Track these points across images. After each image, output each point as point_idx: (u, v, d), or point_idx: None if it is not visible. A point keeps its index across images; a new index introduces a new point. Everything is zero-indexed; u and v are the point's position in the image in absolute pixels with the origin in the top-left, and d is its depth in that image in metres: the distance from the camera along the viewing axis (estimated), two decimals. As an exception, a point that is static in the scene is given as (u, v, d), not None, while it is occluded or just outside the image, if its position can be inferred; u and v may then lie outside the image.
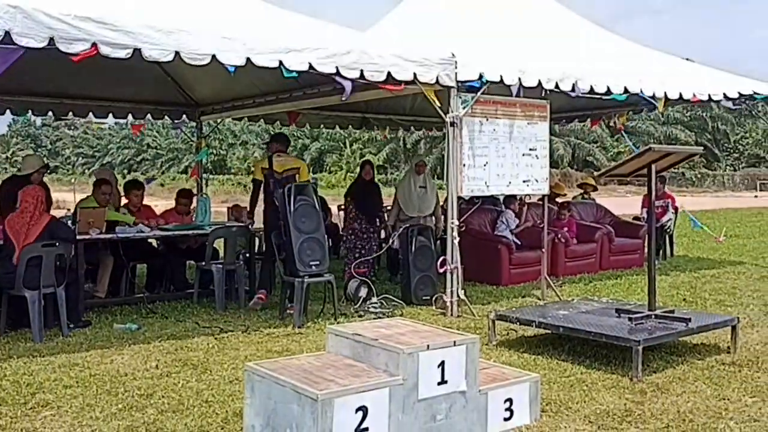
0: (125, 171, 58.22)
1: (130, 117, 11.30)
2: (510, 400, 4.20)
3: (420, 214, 9.08)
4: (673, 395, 4.78)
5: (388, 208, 9.77)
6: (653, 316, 5.75)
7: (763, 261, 10.99)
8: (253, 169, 8.86)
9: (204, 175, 12.20)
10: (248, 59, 6.14)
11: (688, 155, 6.49)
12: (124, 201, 8.58)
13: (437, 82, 7.24)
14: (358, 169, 10.29)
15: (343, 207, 10.68)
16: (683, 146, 17.79)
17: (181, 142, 53.55)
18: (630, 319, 5.65)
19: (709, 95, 9.54)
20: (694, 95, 9.31)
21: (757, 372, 5.29)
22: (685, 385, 4.98)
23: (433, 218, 9.22)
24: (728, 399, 4.69)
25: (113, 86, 9.74)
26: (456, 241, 7.42)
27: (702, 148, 16.15)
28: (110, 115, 10.86)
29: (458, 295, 7.41)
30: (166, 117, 11.55)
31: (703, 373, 5.25)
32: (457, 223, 7.46)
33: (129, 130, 61.14)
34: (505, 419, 4.17)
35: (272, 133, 10.96)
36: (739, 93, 9.82)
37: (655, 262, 6.08)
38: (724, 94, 9.68)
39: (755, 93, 10.03)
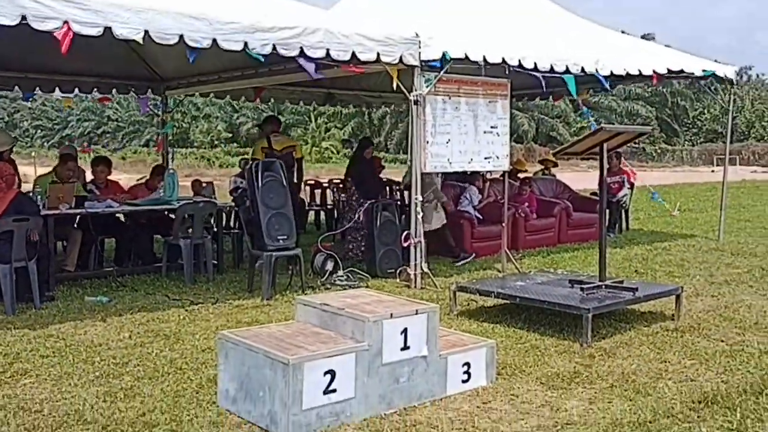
0: (85, 144, 57.29)
1: (95, 91, 11.30)
2: (468, 364, 4.50)
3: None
4: (619, 359, 5.14)
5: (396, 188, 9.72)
6: (603, 287, 6.10)
7: (713, 234, 11.48)
8: (252, 149, 9.03)
9: (168, 149, 12.26)
10: (214, 40, 6.28)
11: (638, 134, 6.83)
12: (89, 177, 8.67)
13: (401, 61, 7.45)
14: (355, 147, 10.29)
15: (341, 186, 10.90)
16: (633, 126, 18.26)
17: (143, 115, 52.80)
18: (582, 289, 6.00)
19: (668, 70, 9.87)
20: (640, 72, 9.61)
21: (697, 337, 5.69)
22: (631, 350, 5.35)
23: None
24: (669, 362, 5.07)
25: (79, 61, 9.71)
26: (420, 216, 7.69)
27: (650, 127, 16.63)
28: (76, 89, 10.86)
29: (422, 268, 7.70)
30: (131, 91, 11.56)
31: (647, 339, 5.63)
32: (420, 198, 7.71)
33: (89, 102, 60.14)
34: (464, 381, 4.47)
35: (266, 114, 11.21)
36: (692, 71, 10.20)
37: (605, 236, 6.43)
38: (673, 70, 10.08)
39: (704, 71, 10.42)
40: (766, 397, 4.34)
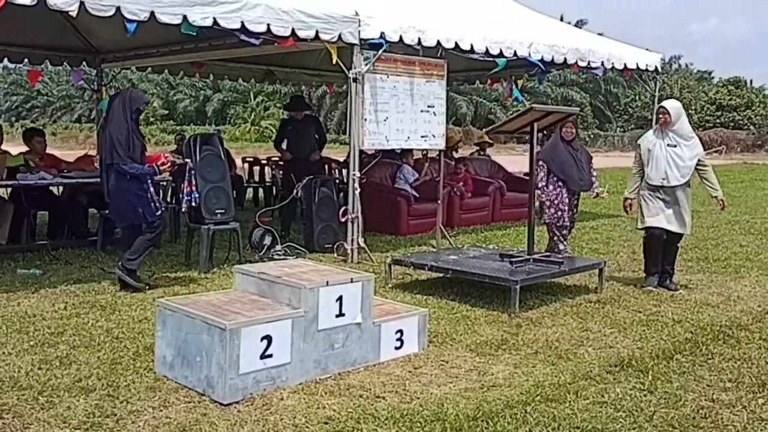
0: (13, 119, 55.23)
1: (26, 62, 10.98)
2: (401, 331, 4.68)
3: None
4: (544, 327, 5.42)
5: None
6: (531, 260, 6.38)
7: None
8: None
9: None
10: (152, 13, 6.24)
11: (567, 115, 7.12)
12: (24, 149, 8.47)
13: (340, 39, 7.53)
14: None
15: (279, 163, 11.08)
16: (562, 107, 18.78)
17: (76, 89, 51.16)
18: (511, 262, 6.26)
19: (591, 62, 10.25)
20: (565, 60, 9.97)
21: (618, 308, 6.03)
22: (555, 319, 5.64)
23: None
24: (590, 330, 5.37)
25: (9, 30, 9.46)
26: (357, 192, 7.83)
27: (578, 108, 17.21)
28: (5, 59, 10.54)
29: (358, 243, 7.86)
30: (65, 63, 11.28)
31: (571, 309, 5.94)
32: (358, 174, 7.85)
33: (18, 75, 57.85)
34: (396, 348, 4.66)
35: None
36: (624, 64, 10.60)
37: (534, 213, 6.74)
38: (613, 65, 10.52)
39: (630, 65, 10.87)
40: (676, 361, 4.67)
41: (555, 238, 7.74)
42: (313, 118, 10.64)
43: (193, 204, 6.90)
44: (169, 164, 6.41)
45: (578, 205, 7.93)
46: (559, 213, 7.60)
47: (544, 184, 7.58)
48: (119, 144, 6.02)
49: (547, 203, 7.60)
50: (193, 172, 6.89)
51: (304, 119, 9.83)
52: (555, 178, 7.56)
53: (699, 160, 6.53)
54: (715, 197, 6.74)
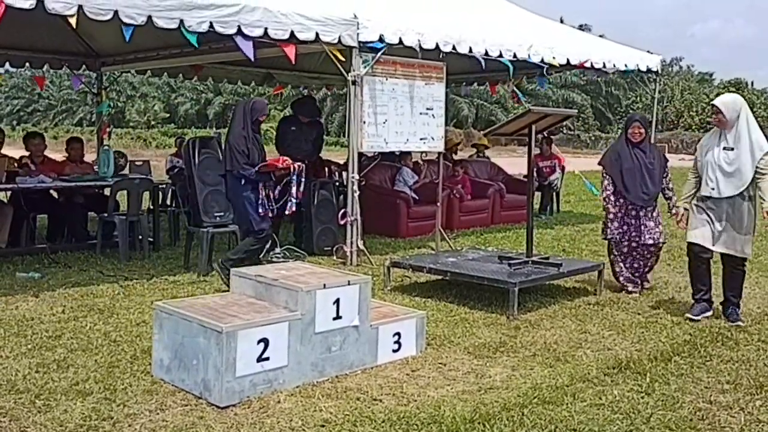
0: (14, 122, 55.34)
1: (27, 66, 11.00)
2: (398, 334, 4.68)
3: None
4: (543, 330, 5.41)
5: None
6: (530, 262, 6.38)
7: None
8: None
9: (111, 126, 12.07)
10: (149, 17, 6.25)
11: (564, 117, 7.13)
12: (24, 153, 8.50)
13: (339, 41, 7.54)
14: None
15: None
16: (560, 109, 18.86)
17: (76, 92, 51.27)
18: (510, 265, 6.26)
19: (591, 63, 10.26)
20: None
21: (616, 310, 6.02)
22: (554, 321, 5.64)
23: None
24: (589, 332, 5.36)
25: (10, 34, 9.47)
26: (356, 195, 7.82)
27: (576, 110, 17.19)
28: (7, 63, 10.55)
29: (357, 246, 7.86)
30: (65, 67, 11.30)
31: (570, 311, 5.93)
32: (357, 177, 7.85)
33: (19, 79, 57.99)
34: (394, 351, 4.65)
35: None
36: (625, 65, 10.61)
37: (533, 215, 6.73)
38: (613, 65, 10.49)
39: (630, 66, 10.85)
40: (674, 363, 4.67)
41: (612, 257, 6.62)
42: (319, 123, 10.04)
43: (293, 209, 6.79)
44: (286, 168, 6.47)
45: (658, 226, 6.51)
46: (624, 228, 6.48)
47: (609, 192, 6.49)
48: (237, 152, 6.29)
49: (611, 216, 6.53)
50: (298, 177, 6.69)
51: (308, 123, 9.32)
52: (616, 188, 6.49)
53: (758, 167, 5.41)
54: (762, 207, 5.49)
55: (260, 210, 6.42)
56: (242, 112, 6.49)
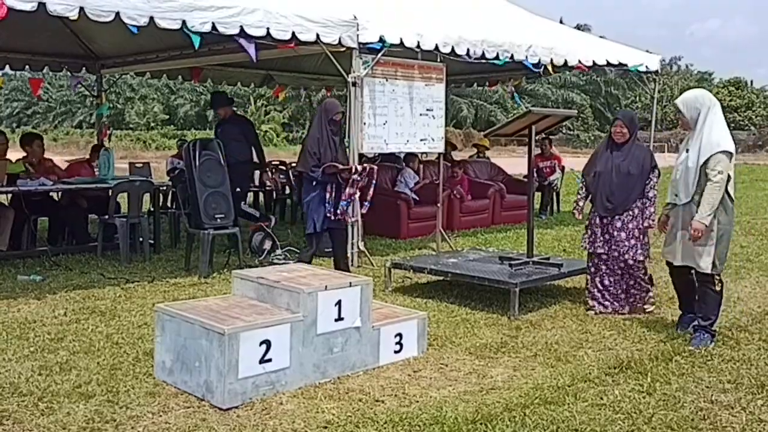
0: (14, 125, 55.30)
1: (27, 69, 11.03)
2: (400, 335, 4.69)
3: None
4: (544, 330, 5.42)
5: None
6: (531, 263, 6.38)
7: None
8: None
9: (110, 128, 12.09)
10: (151, 18, 6.26)
11: (564, 118, 7.14)
12: (22, 155, 8.50)
13: (339, 43, 7.55)
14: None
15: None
16: (559, 110, 18.87)
17: (75, 94, 51.26)
18: (510, 265, 6.26)
19: (593, 62, 10.25)
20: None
21: (617, 310, 6.02)
22: (555, 322, 5.64)
23: None
24: (590, 332, 5.37)
25: (10, 37, 9.49)
26: (357, 196, 7.81)
27: (575, 111, 17.19)
28: (7, 66, 10.57)
29: (358, 247, 7.86)
30: (65, 69, 11.31)
31: (571, 312, 5.94)
32: (358, 177, 7.83)
33: (18, 81, 57.95)
34: (396, 352, 4.66)
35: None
36: (619, 62, 10.61)
37: (533, 215, 6.73)
38: (607, 61, 10.45)
39: (630, 64, 10.83)
40: (675, 363, 4.67)
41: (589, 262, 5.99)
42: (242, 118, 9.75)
43: (347, 209, 6.67)
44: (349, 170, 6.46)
45: (632, 239, 5.70)
46: (592, 238, 5.85)
47: (580, 197, 6.04)
48: (309, 154, 6.34)
49: (587, 223, 5.99)
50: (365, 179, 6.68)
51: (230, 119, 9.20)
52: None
53: (706, 168, 4.81)
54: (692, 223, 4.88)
55: (316, 216, 6.43)
56: (319, 114, 6.59)
